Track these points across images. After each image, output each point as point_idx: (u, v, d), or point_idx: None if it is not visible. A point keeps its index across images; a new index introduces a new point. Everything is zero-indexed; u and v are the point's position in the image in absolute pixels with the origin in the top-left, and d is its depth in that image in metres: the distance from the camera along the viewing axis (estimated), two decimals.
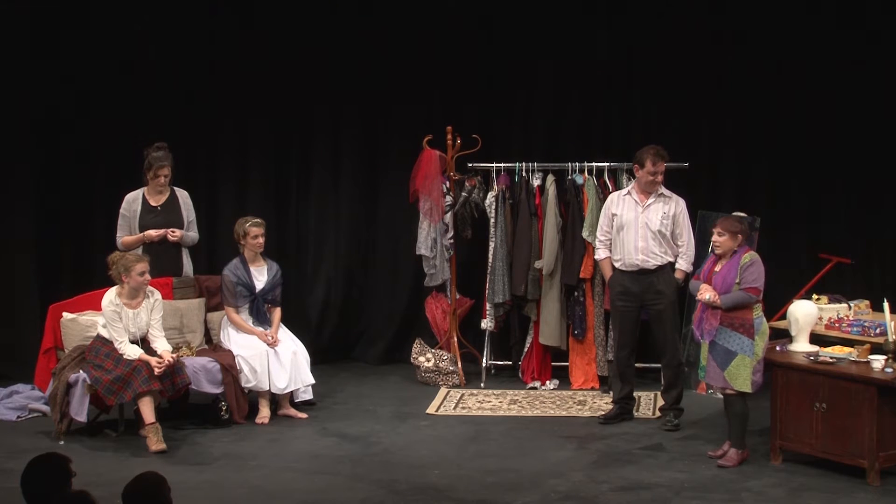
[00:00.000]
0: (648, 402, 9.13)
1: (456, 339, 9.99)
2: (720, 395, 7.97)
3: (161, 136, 9.34)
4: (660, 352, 8.72)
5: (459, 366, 9.85)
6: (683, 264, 8.65)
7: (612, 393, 8.89)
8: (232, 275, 8.88)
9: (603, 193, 9.42)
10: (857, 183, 10.04)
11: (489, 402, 9.32)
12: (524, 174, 9.76)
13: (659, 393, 9.00)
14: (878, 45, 9.82)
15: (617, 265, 8.63)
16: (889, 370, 7.23)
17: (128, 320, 8.23)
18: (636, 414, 8.85)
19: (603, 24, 10.23)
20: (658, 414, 8.80)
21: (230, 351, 8.81)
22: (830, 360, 7.46)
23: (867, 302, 8.45)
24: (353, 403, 9.33)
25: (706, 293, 7.61)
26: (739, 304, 7.53)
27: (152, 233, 8.87)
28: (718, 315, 7.60)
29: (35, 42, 10.11)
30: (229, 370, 8.66)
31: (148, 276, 8.27)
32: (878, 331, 7.82)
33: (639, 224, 8.53)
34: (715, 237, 7.70)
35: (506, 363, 10.12)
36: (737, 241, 7.63)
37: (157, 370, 8.11)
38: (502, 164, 9.82)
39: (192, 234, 9.11)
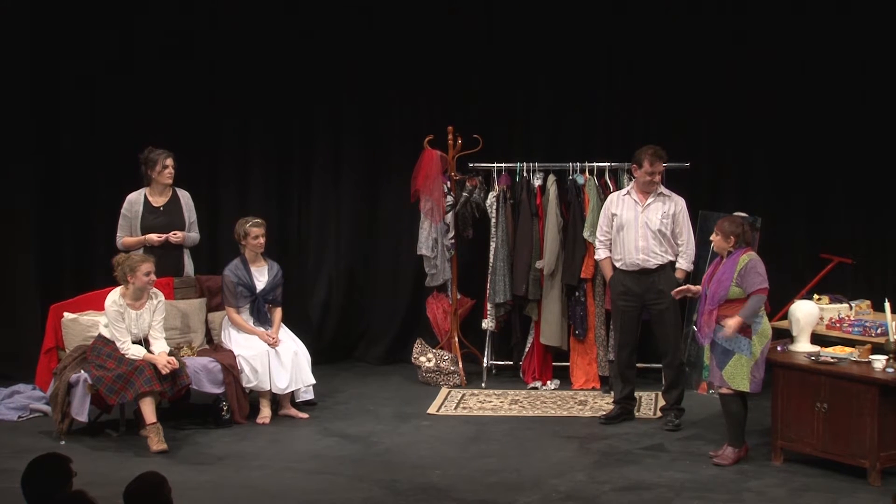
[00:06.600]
0: (649, 403, 9.13)
1: (457, 339, 9.99)
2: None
3: (162, 136, 9.37)
4: (661, 352, 8.72)
5: (460, 366, 9.85)
6: (684, 263, 8.65)
7: (613, 393, 8.89)
8: (232, 275, 8.88)
9: (604, 193, 9.42)
10: (857, 183, 10.03)
11: (490, 402, 9.32)
12: (525, 174, 9.76)
13: (660, 393, 9.00)
14: (878, 44, 9.81)
15: (618, 265, 8.64)
16: (890, 370, 7.23)
17: (130, 321, 8.23)
18: (637, 414, 8.85)
19: (604, 24, 10.22)
20: (659, 414, 8.80)
21: (231, 351, 8.81)
22: (832, 360, 7.46)
23: (868, 302, 8.45)
24: (354, 403, 9.33)
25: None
26: (756, 309, 7.53)
27: (153, 236, 8.87)
28: (715, 315, 7.61)
29: (35, 42, 10.10)
30: (230, 370, 8.66)
31: (153, 277, 8.27)
32: (879, 331, 7.82)
33: (639, 224, 8.53)
34: (712, 236, 7.77)
35: (507, 363, 10.11)
36: (729, 242, 7.64)
37: (164, 370, 8.11)
38: (503, 164, 9.82)
39: (194, 235, 9.12)
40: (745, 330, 7.54)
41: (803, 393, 7.47)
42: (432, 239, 9.89)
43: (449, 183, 9.87)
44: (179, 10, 10.33)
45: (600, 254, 8.79)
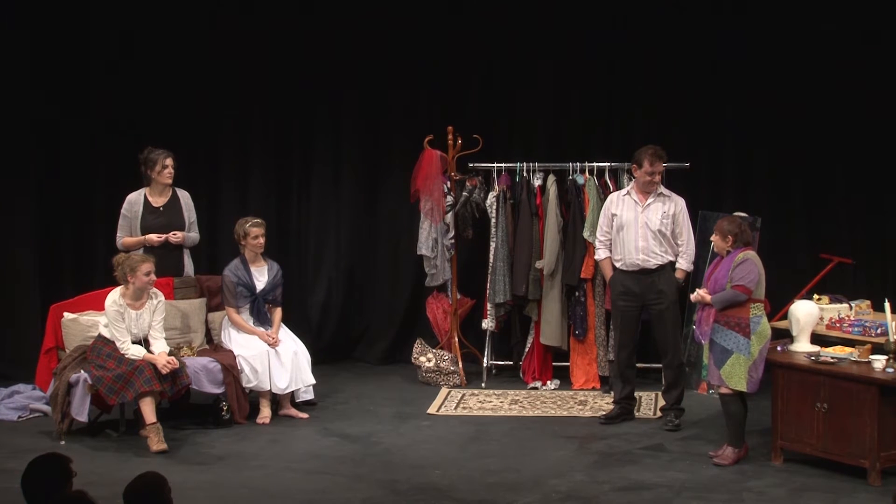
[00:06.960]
0: (649, 403, 9.13)
1: (457, 339, 9.99)
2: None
3: (161, 135, 9.37)
4: (661, 352, 8.72)
5: (460, 366, 9.85)
6: (684, 264, 8.65)
7: (612, 393, 8.89)
8: (232, 275, 8.88)
9: (604, 193, 9.42)
10: (858, 183, 10.03)
11: (490, 402, 9.32)
12: (525, 174, 9.76)
13: (660, 393, 9.00)
14: (878, 44, 9.80)
15: (618, 265, 8.64)
16: (890, 370, 7.23)
17: (130, 321, 8.23)
18: (637, 414, 8.85)
19: (603, 24, 10.22)
20: (659, 414, 8.80)
21: (231, 351, 8.81)
22: (831, 361, 7.46)
23: (868, 302, 8.45)
24: (354, 403, 9.34)
25: (697, 293, 7.70)
26: (729, 303, 7.56)
27: (153, 237, 8.87)
28: (713, 314, 7.63)
29: (35, 41, 10.10)
30: (230, 370, 8.66)
31: (153, 277, 8.27)
32: (878, 331, 7.81)
33: (639, 224, 8.53)
34: (712, 236, 7.78)
35: (507, 363, 10.12)
36: (727, 242, 7.67)
37: (164, 370, 8.11)
38: (503, 164, 9.82)
39: (194, 235, 9.12)
40: (743, 329, 7.55)
41: (803, 393, 7.47)
42: (432, 239, 9.90)
43: (449, 183, 9.87)
44: (180, 9, 10.32)
45: (600, 254, 8.79)
